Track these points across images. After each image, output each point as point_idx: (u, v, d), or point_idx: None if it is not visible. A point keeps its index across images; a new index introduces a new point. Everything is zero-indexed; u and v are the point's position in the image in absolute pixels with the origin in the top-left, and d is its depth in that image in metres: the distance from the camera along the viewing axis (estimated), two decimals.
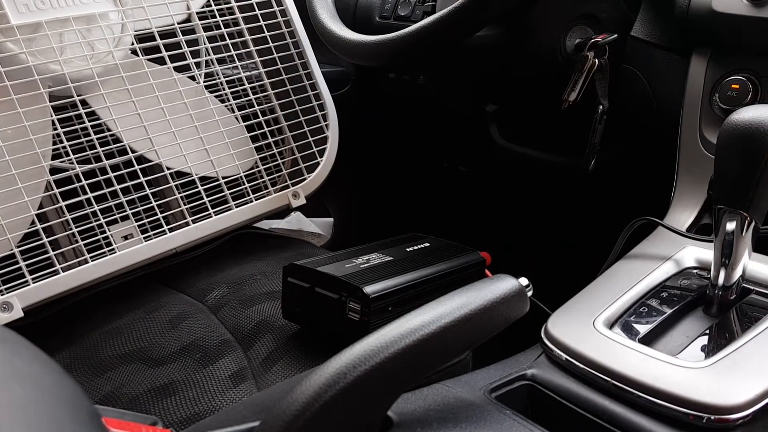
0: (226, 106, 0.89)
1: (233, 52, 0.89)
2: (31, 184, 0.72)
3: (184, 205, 0.83)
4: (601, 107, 0.81)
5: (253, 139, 0.90)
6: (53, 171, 0.76)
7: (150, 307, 0.78)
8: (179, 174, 0.83)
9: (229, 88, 0.89)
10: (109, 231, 0.78)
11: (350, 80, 1.19)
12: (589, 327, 0.56)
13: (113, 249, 0.77)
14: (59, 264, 0.72)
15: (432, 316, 0.42)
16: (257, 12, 0.90)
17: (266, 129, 0.90)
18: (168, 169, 0.82)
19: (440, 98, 1.11)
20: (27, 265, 0.71)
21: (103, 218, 0.76)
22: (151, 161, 0.83)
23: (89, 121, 0.77)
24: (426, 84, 1.07)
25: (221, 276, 0.84)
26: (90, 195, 0.76)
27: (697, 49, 0.73)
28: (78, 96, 0.77)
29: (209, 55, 0.88)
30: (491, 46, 0.86)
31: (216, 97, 0.88)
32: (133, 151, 0.80)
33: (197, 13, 0.87)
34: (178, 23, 0.85)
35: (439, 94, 1.09)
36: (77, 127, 0.80)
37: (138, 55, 0.82)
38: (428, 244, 0.75)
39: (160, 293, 0.82)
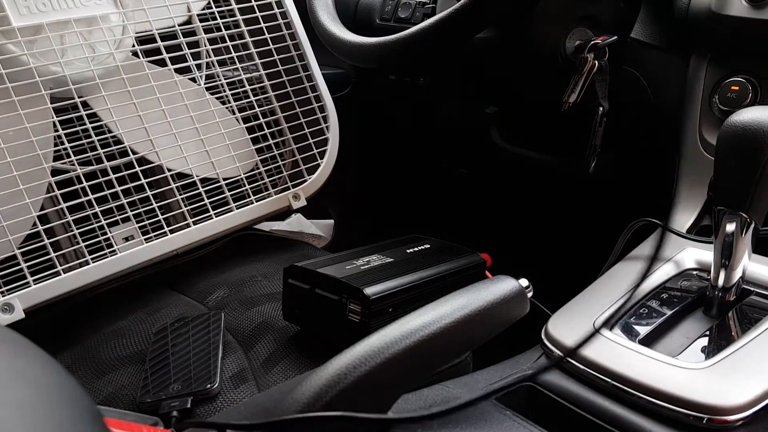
0: (226, 107, 0.89)
1: (234, 54, 0.89)
2: (33, 185, 0.72)
3: (185, 206, 0.83)
4: (601, 109, 0.81)
5: (254, 141, 0.90)
6: (54, 172, 0.76)
7: (151, 308, 0.78)
8: (180, 175, 0.83)
9: (230, 89, 0.89)
10: (110, 232, 0.78)
11: (351, 82, 1.19)
12: (589, 328, 0.56)
13: (114, 250, 0.77)
14: (60, 265, 0.72)
15: (432, 317, 0.42)
16: (258, 14, 0.91)
17: (267, 131, 0.90)
18: (169, 170, 0.82)
19: (440, 100, 1.12)
20: (28, 267, 0.71)
21: (104, 220, 0.77)
22: (152, 163, 0.83)
23: (90, 122, 0.77)
24: (426, 86, 1.07)
25: (222, 277, 0.84)
26: (91, 196, 0.76)
27: (696, 51, 0.74)
28: (79, 98, 0.77)
29: (210, 56, 0.88)
30: (491, 48, 0.86)
31: (217, 98, 0.89)
32: (134, 153, 0.80)
33: (198, 15, 0.87)
34: (179, 25, 0.85)
35: (440, 95, 1.09)
36: (78, 128, 0.80)
37: (139, 57, 0.82)
38: (429, 246, 0.75)
39: (161, 295, 0.82)
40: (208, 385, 0.61)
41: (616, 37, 0.78)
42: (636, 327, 0.57)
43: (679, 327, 0.58)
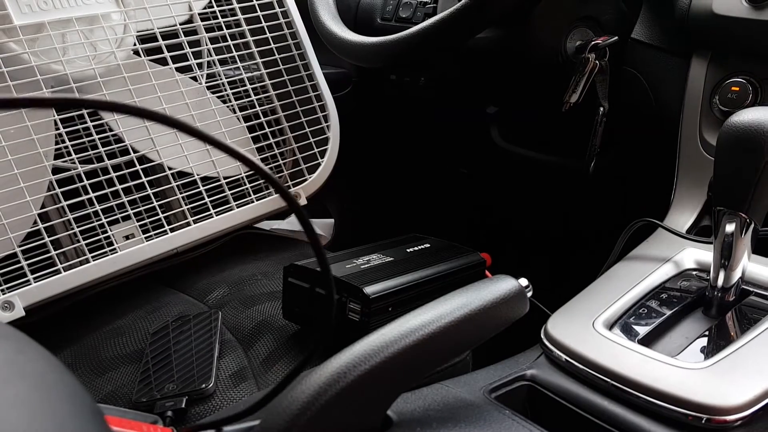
0: (227, 106, 0.89)
1: (235, 53, 0.89)
2: (34, 183, 0.72)
3: (186, 205, 0.83)
4: (601, 109, 0.81)
5: (255, 140, 0.91)
6: (55, 171, 0.76)
7: (151, 307, 0.79)
8: (181, 174, 0.84)
9: (231, 88, 0.89)
10: (111, 231, 0.78)
11: (351, 82, 1.19)
12: (588, 328, 0.56)
13: (114, 249, 0.77)
14: (61, 263, 0.72)
15: (432, 317, 0.42)
16: (259, 13, 0.91)
17: (267, 130, 0.90)
18: (169, 169, 0.82)
19: (441, 100, 1.12)
20: (29, 265, 0.71)
21: (105, 218, 0.77)
22: (152, 161, 0.83)
23: (91, 121, 0.78)
24: (427, 86, 1.07)
25: (222, 276, 0.84)
26: (92, 195, 0.76)
27: (697, 52, 0.74)
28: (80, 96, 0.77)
29: (211, 55, 0.88)
30: (492, 48, 0.86)
31: (218, 97, 0.89)
32: (134, 151, 0.81)
33: (199, 14, 0.87)
34: (180, 24, 0.85)
35: (440, 95, 1.10)
36: (79, 127, 0.81)
37: (140, 56, 0.82)
38: (428, 245, 0.75)
39: (161, 293, 0.82)
40: (203, 385, 0.61)
41: (616, 38, 0.78)
42: (635, 327, 0.57)
43: (678, 327, 0.58)
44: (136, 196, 0.80)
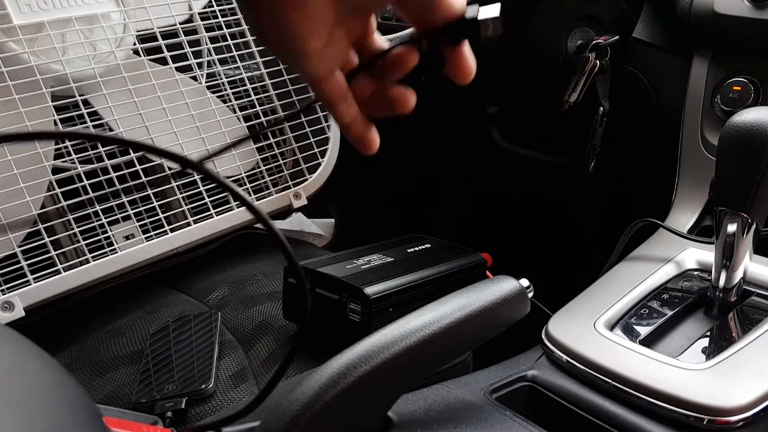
0: (227, 106, 0.89)
1: (235, 53, 0.89)
2: (34, 183, 0.72)
3: (186, 205, 0.83)
4: (601, 109, 0.81)
5: (255, 140, 0.90)
6: (55, 171, 0.76)
7: (151, 307, 0.78)
8: (180, 174, 0.83)
9: (231, 88, 0.89)
10: (111, 231, 0.78)
11: None
12: (589, 328, 0.56)
13: (114, 249, 0.77)
14: (61, 264, 0.72)
15: (433, 317, 0.42)
16: None
17: (268, 129, 0.90)
18: (169, 168, 0.82)
19: (441, 100, 1.11)
20: (29, 265, 0.71)
21: (105, 218, 0.77)
22: (152, 161, 0.83)
23: (91, 121, 0.77)
24: (427, 84, 1.07)
25: (222, 276, 0.84)
26: (92, 195, 0.76)
27: (698, 51, 0.74)
28: (80, 96, 0.77)
29: (211, 55, 0.88)
30: (492, 48, 0.86)
31: (218, 97, 0.88)
32: (134, 151, 0.80)
33: (199, 13, 0.87)
34: (180, 23, 0.85)
35: (441, 95, 1.09)
36: (79, 127, 0.80)
37: (140, 55, 0.82)
38: (429, 245, 0.75)
39: (161, 293, 0.82)
40: (203, 386, 0.61)
41: (617, 37, 0.78)
42: (637, 327, 0.57)
43: (679, 328, 0.58)
44: (136, 196, 0.80)
